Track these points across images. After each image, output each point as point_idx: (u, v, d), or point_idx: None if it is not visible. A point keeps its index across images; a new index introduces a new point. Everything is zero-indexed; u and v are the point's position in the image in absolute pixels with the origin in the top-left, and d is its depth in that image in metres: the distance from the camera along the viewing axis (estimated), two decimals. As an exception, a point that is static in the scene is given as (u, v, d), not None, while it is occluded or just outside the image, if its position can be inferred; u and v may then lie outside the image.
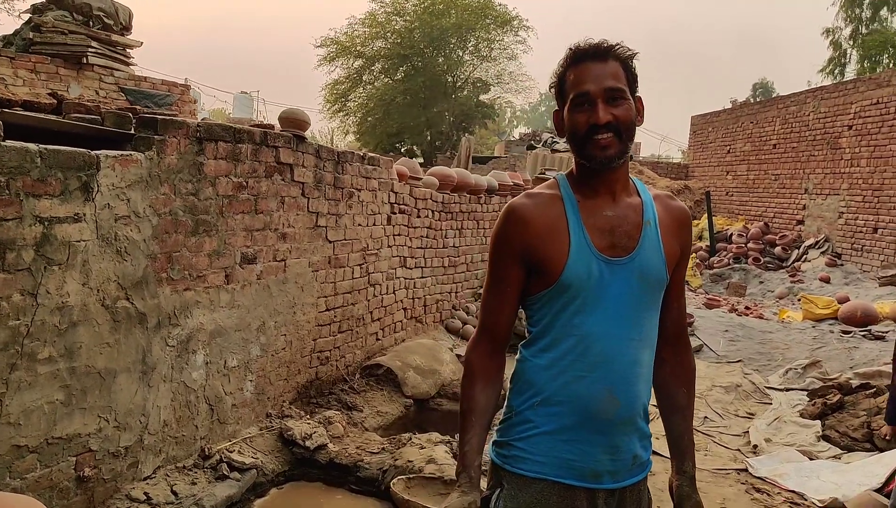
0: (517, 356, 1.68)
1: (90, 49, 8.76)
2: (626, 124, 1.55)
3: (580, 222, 1.58)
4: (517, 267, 1.60)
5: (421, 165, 6.93)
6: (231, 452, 3.74)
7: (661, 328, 1.68)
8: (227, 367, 3.90)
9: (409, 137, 26.30)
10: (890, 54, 24.25)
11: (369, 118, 25.56)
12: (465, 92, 26.51)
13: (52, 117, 3.26)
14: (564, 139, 1.67)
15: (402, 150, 26.27)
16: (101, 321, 3.05)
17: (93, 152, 2.96)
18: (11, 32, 9.10)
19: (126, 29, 9.70)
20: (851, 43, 27.19)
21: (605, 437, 1.57)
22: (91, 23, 9.05)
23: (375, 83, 25.96)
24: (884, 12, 26.08)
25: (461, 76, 26.31)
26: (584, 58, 1.57)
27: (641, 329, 1.61)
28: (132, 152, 3.16)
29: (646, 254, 1.59)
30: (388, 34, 24.83)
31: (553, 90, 1.66)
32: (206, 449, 3.69)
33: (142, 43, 10.05)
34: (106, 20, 9.25)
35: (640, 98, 1.63)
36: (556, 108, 1.67)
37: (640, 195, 1.67)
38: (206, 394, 3.76)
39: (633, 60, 1.60)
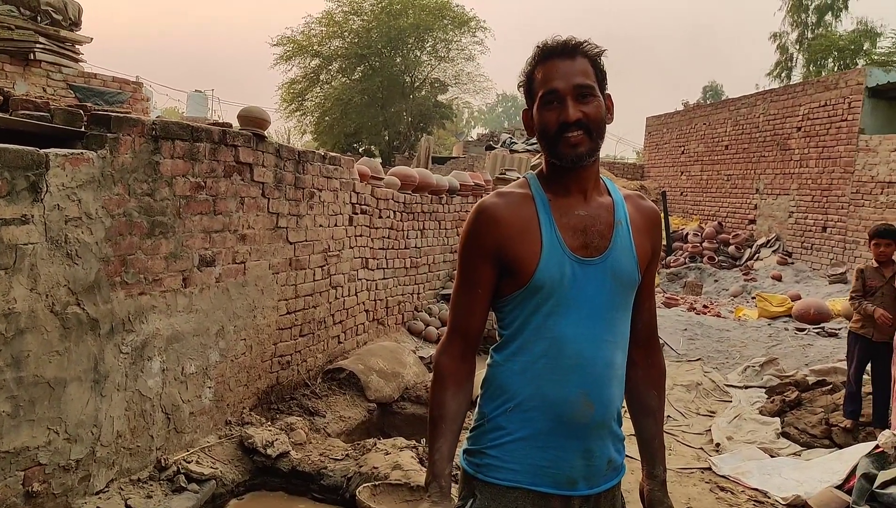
0: (488, 361, 1.63)
1: (38, 45, 8.43)
2: (597, 122, 1.52)
3: (552, 221, 1.54)
4: (489, 268, 1.56)
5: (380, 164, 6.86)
6: (189, 462, 3.60)
7: (631, 330, 1.66)
8: (184, 374, 3.76)
9: (366, 136, 26.12)
10: (835, 58, 25.05)
11: (326, 118, 25.30)
12: (423, 92, 26.46)
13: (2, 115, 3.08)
14: (533, 138, 1.63)
15: (360, 150, 26.07)
16: (50, 327, 2.90)
17: (42, 151, 2.80)
18: (-48, 26, 8.68)
19: (75, 25, 9.37)
20: (798, 47, 28.02)
21: (580, 442, 1.53)
22: (39, 18, 8.71)
23: (333, 83, 25.70)
24: (828, 17, 26.93)
25: (419, 76, 26.24)
26: (551, 55, 1.54)
27: (615, 331, 1.58)
28: (83, 151, 3.01)
29: (618, 254, 1.56)
30: (346, 34, 24.61)
31: (521, 89, 1.62)
32: (163, 460, 3.55)
33: (91, 39, 9.72)
34: (55, 15, 8.92)
35: (609, 95, 1.61)
36: (523, 108, 1.64)
37: (611, 195, 1.64)
38: (163, 402, 3.62)
39: (602, 58, 1.58)
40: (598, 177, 1.63)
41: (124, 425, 3.37)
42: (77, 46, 9.36)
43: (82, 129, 3.17)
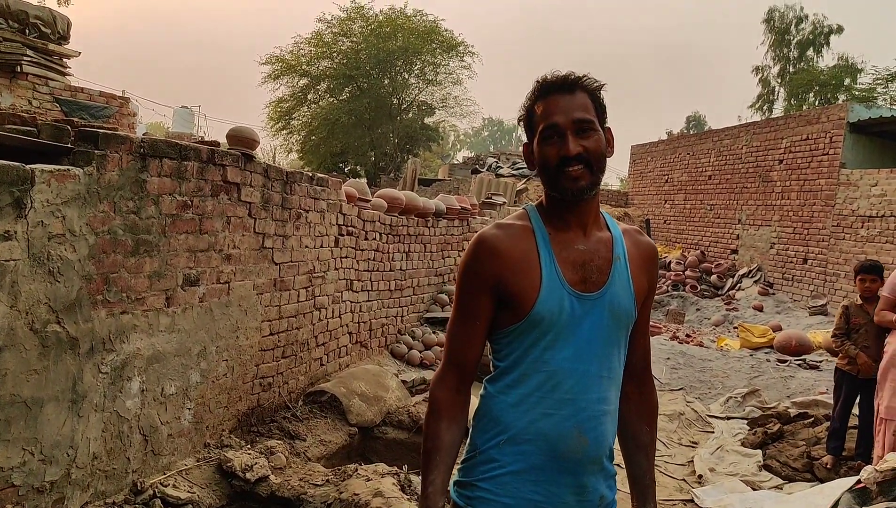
0: (481, 392, 1.63)
1: (25, 57, 8.38)
2: (597, 156, 1.54)
3: (552, 255, 1.55)
4: (487, 300, 1.56)
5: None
6: (165, 486, 3.52)
7: (626, 365, 1.66)
8: (164, 395, 3.70)
9: (353, 157, 26.16)
10: (816, 92, 25.55)
11: (313, 137, 25.31)
12: (410, 114, 26.58)
13: (-18, 127, 3.04)
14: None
15: (346, 170, 26.09)
16: (28, 346, 2.84)
17: (27, 166, 2.76)
18: (-62, 36, 8.60)
19: (63, 38, 9.33)
20: (779, 81, 28.57)
21: (573, 477, 1.53)
22: (27, 31, 8.67)
23: (320, 102, 25.76)
24: (810, 52, 27.52)
25: (406, 99, 26.38)
26: (551, 90, 1.56)
27: (610, 366, 1.58)
28: (70, 167, 2.98)
29: (616, 290, 1.57)
30: (335, 54, 24.73)
31: (521, 123, 1.64)
32: (139, 484, 3.47)
33: (79, 53, 9.68)
34: (43, 28, 8.87)
35: (609, 129, 1.62)
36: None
37: (609, 230, 1.65)
38: (141, 424, 3.55)
39: (602, 92, 1.59)
40: (598, 211, 1.64)
41: (101, 446, 3.29)
42: (65, 60, 9.31)
43: (69, 144, 3.14)
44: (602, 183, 1.65)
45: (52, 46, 8.78)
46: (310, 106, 25.79)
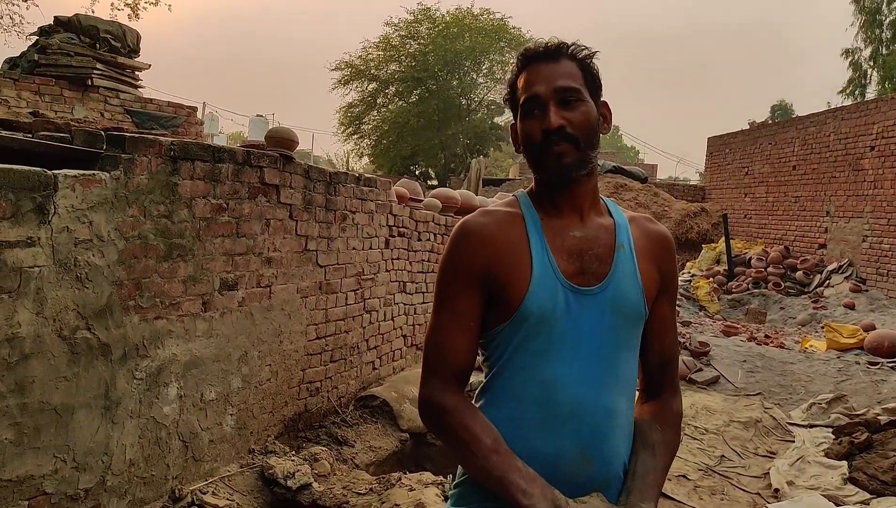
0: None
1: (95, 71, 8.71)
2: (585, 129, 1.33)
3: (544, 242, 1.34)
4: (477, 296, 1.35)
5: (435, 186, 6.72)
6: (204, 494, 3.47)
7: (642, 377, 1.43)
8: (203, 400, 3.66)
9: (423, 159, 26.25)
10: (912, 75, 23.84)
11: (383, 141, 25.56)
12: (480, 114, 26.45)
13: (15, 135, 3.07)
14: (521, 154, 1.44)
15: (417, 172, 26.20)
16: (57, 352, 2.82)
17: (49, 172, 2.75)
18: (18, 55, 9.07)
19: (134, 51, 9.66)
20: (871, 64, 26.82)
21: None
22: (98, 45, 9.01)
23: (389, 106, 25.99)
24: (905, 33, 25.69)
25: (475, 99, 26.27)
26: (534, 59, 1.37)
27: (617, 373, 1.35)
28: (95, 172, 2.95)
29: (619, 283, 1.35)
30: (402, 57, 24.89)
31: (507, 102, 1.44)
32: (178, 490, 3.43)
33: (150, 66, 9.99)
34: (113, 42, 9.21)
35: (605, 103, 1.41)
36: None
37: (612, 216, 1.43)
38: (180, 430, 3.51)
39: (593, 60, 1.39)
40: (597, 195, 1.42)
41: (137, 453, 3.27)
42: (136, 73, 9.63)
43: (101, 150, 3.12)
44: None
45: (121, 60, 9.09)
46: (379, 110, 26.06)
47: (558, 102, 1.32)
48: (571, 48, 1.37)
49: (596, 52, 1.40)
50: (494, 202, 6.12)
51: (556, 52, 1.36)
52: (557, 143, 1.31)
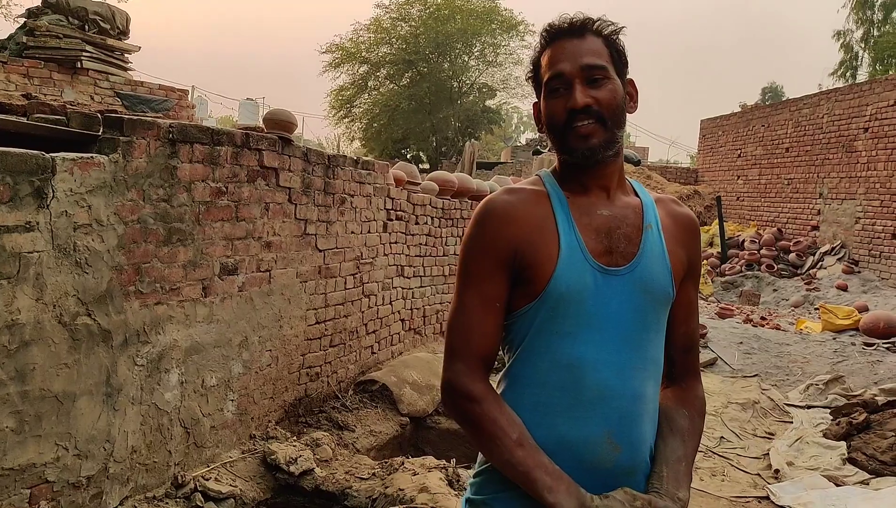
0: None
1: (84, 53, 8.56)
2: (611, 108, 1.29)
3: (571, 220, 1.30)
4: (504, 276, 1.30)
5: (426, 170, 6.67)
6: (207, 480, 3.45)
7: (666, 360, 1.39)
8: (204, 386, 3.62)
9: (414, 142, 26.13)
10: (903, 56, 23.87)
11: (375, 124, 25.40)
12: (471, 97, 26.31)
13: (10, 118, 2.99)
14: (544, 133, 1.39)
15: (409, 155, 26.09)
16: (57, 339, 2.77)
17: (47, 155, 2.68)
18: (6, 37, 8.90)
19: (123, 33, 9.50)
20: (863, 45, 26.82)
21: (605, 492, 1.25)
22: (87, 27, 8.86)
23: (381, 89, 25.81)
24: (895, 14, 25.69)
25: (467, 81, 26.11)
26: (558, 36, 1.32)
27: (645, 356, 1.32)
28: (94, 155, 2.89)
29: (648, 263, 1.31)
30: (394, 40, 24.68)
31: (529, 80, 1.39)
32: (180, 477, 3.40)
33: (139, 48, 9.84)
34: (102, 24, 9.05)
35: (631, 81, 1.37)
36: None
37: (638, 196, 1.39)
38: (181, 416, 3.48)
39: (619, 36, 1.34)
40: (623, 175, 1.38)
41: (139, 440, 3.23)
42: (125, 55, 9.48)
43: (98, 133, 3.06)
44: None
45: (111, 42, 8.94)
46: (370, 93, 25.87)
47: (584, 81, 1.28)
48: (597, 24, 1.32)
49: (623, 27, 1.34)
50: (491, 185, 6.05)
51: (581, 28, 1.31)
52: (583, 121, 1.27)
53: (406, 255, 5.93)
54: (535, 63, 1.37)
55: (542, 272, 1.27)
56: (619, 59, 1.33)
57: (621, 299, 1.29)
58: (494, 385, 1.37)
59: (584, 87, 1.28)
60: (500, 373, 1.38)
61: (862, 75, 25.93)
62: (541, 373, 1.30)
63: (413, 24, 24.55)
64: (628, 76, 1.37)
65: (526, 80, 1.41)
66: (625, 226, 1.32)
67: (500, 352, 1.38)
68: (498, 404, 1.29)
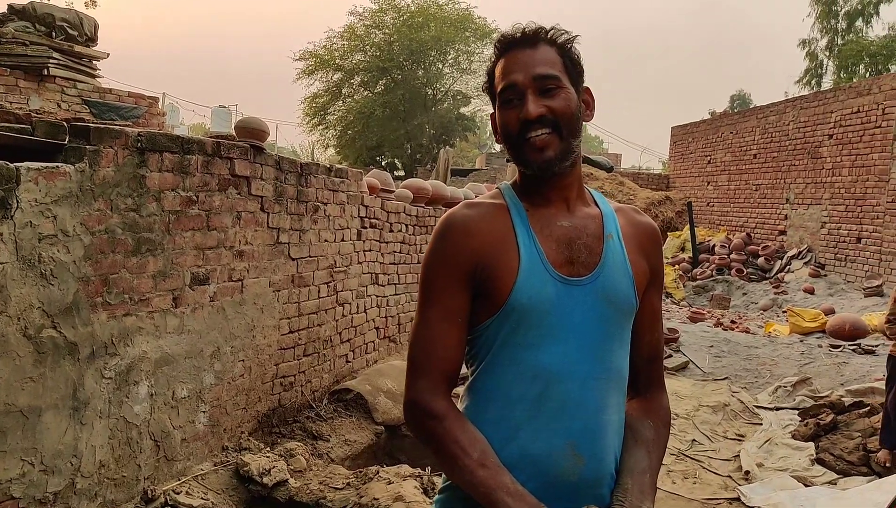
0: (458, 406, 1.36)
1: (52, 60, 8.43)
2: (566, 118, 1.28)
3: (531, 232, 1.30)
4: (466, 291, 1.30)
5: (402, 177, 6.66)
6: (178, 493, 3.40)
7: (630, 370, 1.39)
8: (175, 398, 3.57)
9: (389, 150, 26.10)
10: (866, 64, 24.44)
11: (349, 131, 25.34)
12: (446, 105, 26.37)
13: (-27, 127, 2.94)
14: (501, 145, 1.40)
15: (384, 163, 26.05)
16: (22, 352, 2.72)
17: (11, 165, 2.64)
18: (-30, 44, 8.72)
19: (91, 40, 9.37)
20: (828, 54, 27.40)
21: (570, 505, 1.25)
22: (54, 34, 8.72)
23: (355, 96, 25.76)
24: (859, 23, 26.30)
25: (441, 89, 26.17)
26: (511, 46, 1.32)
27: (609, 366, 1.31)
28: (59, 165, 2.85)
29: (610, 273, 1.31)
30: (367, 47, 24.66)
31: (486, 91, 1.39)
32: (150, 491, 3.35)
33: (108, 55, 9.71)
34: (70, 31, 8.92)
35: (588, 89, 1.37)
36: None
37: (598, 206, 1.40)
38: (151, 429, 3.43)
39: (573, 45, 1.34)
40: (581, 185, 1.38)
41: (108, 454, 3.18)
42: (93, 62, 9.35)
43: (65, 141, 3.01)
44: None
45: (79, 48, 8.82)
46: (345, 100, 25.81)
47: (537, 91, 1.28)
48: (550, 32, 1.32)
49: (576, 35, 1.34)
50: (465, 193, 6.05)
51: (533, 37, 1.31)
52: (537, 131, 1.27)
53: (380, 263, 5.92)
54: (490, 73, 1.37)
55: (503, 285, 1.27)
56: (573, 67, 1.33)
57: (584, 310, 1.29)
58: (465, 397, 1.36)
59: (536, 97, 1.28)
60: (464, 387, 1.37)
61: (827, 83, 26.50)
62: (504, 386, 1.29)
63: (387, 31, 24.56)
64: (585, 84, 1.37)
65: (483, 90, 1.41)
66: (585, 236, 1.33)
67: (465, 366, 1.38)
68: (460, 422, 1.27)
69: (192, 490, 3.52)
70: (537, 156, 1.28)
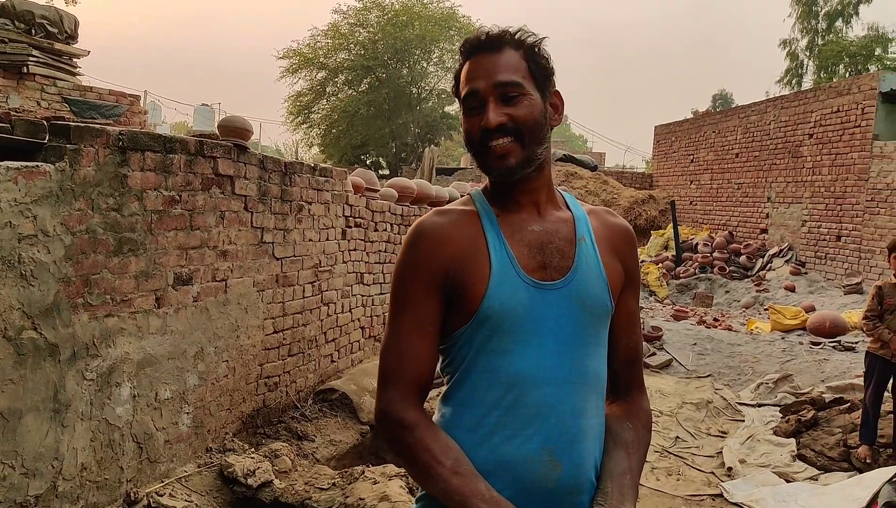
0: (434, 416, 1.35)
1: (31, 58, 8.32)
2: (529, 125, 1.26)
3: (501, 238, 1.29)
4: (437, 299, 1.28)
5: (386, 176, 6.65)
6: (161, 496, 3.37)
7: (609, 374, 1.38)
8: (158, 399, 3.54)
9: (373, 148, 26.03)
10: (846, 64, 24.73)
11: (333, 130, 25.23)
12: (430, 103, 26.35)
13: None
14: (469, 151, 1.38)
15: (368, 162, 25.97)
16: (2, 354, 2.68)
17: (-10, 164, 2.60)
18: (-53, 41, 8.58)
19: (71, 38, 9.26)
20: (808, 54, 27.71)
21: None
22: (34, 31, 8.61)
23: (339, 95, 25.66)
24: (839, 24, 26.62)
25: (426, 88, 26.15)
26: (475, 50, 1.30)
27: (586, 370, 1.30)
28: (39, 164, 2.81)
29: (583, 276, 1.30)
30: (352, 46, 24.58)
31: (454, 93, 1.37)
32: (133, 493, 3.32)
33: (88, 52, 9.61)
34: (49, 28, 8.81)
35: (557, 92, 1.34)
36: None
37: (570, 209, 1.38)
38: (134, 431, 3.40)
39: (541, 48, 1.31)
40: (552, 188, 1.37)
41: (90, 456, 3.15)
42: (74, 60, 9.25)
43: (45, 140, 2.98)
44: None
45: (59, 46, 8.72)
46: (329, 99, 25.70)
47: (498, 98, 1.26)
48: (517, 35, 1.29)
49: (544, 38, 1.31)
50: (450, 192, 6.06)
51: (497, 41, 1.28)
52: (498, 140, 1.25)
53: (365, 262, 5.91)
54: (457, 78, 1.35)
55: (475, 292, 1.25)
56: (539, 71, 1.30)
57: (558, 314, 1.28)
58: (441, 406, 1.35)
59: (497, 105, 1.26)
60: (440, 396, 1.36)
61: (807, 83, 26.81)
62: (479, 393, 1.27)
63: (371, 30, 24.49)
64: (555, 88, 1.34)
65: (452, 94, 1.39)
66: (557, 240, 1.31)
67: (440, 375, 1.36)
68: (432, 430, 1.26)
69: (175, 492, 3.49)
70: (499, 163, 1.27)
